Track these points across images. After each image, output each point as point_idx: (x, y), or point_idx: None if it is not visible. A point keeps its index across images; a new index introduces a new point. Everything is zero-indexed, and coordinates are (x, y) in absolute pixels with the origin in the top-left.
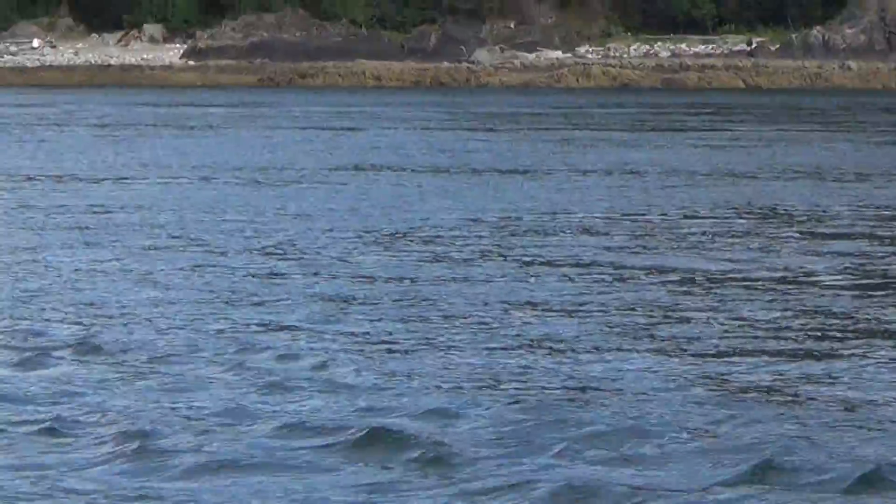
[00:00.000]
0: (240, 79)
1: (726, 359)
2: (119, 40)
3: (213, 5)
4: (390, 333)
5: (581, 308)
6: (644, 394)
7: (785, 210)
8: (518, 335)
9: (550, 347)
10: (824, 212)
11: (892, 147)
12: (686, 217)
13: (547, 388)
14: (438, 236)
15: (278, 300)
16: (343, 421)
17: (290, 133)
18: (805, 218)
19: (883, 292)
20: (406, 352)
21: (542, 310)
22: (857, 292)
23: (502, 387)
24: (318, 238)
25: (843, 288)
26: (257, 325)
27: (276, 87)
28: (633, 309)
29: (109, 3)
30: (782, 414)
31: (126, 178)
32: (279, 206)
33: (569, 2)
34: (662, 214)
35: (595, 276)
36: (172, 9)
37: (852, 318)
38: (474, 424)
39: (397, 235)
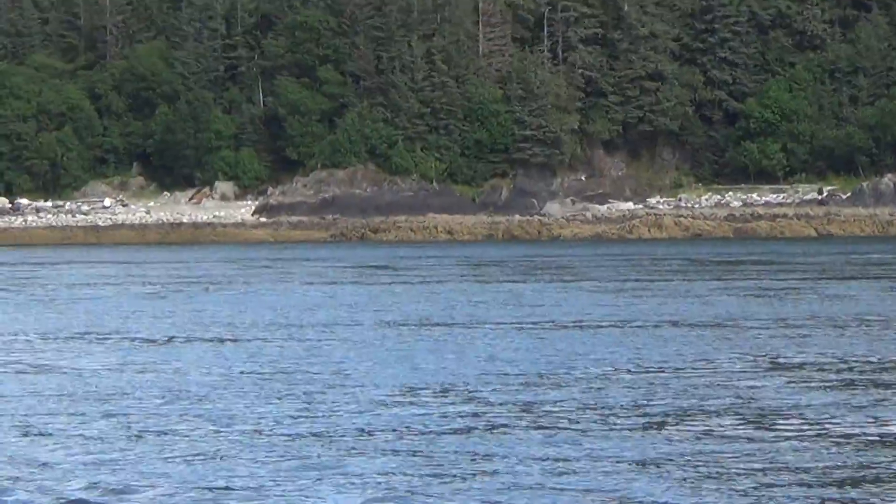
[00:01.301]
0: (311, 234)
1: None
2: (191, 198)
3: (283, 162)
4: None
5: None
6: None
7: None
8: None
9: None
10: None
11: None
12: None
13: None
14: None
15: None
16: None
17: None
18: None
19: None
20: None
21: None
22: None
23: None
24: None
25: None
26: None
27: (348, 242)
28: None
29: (180, 162)
30: None
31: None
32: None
33: (639, 154)
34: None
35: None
36: (244, 167)
37: None
38: None
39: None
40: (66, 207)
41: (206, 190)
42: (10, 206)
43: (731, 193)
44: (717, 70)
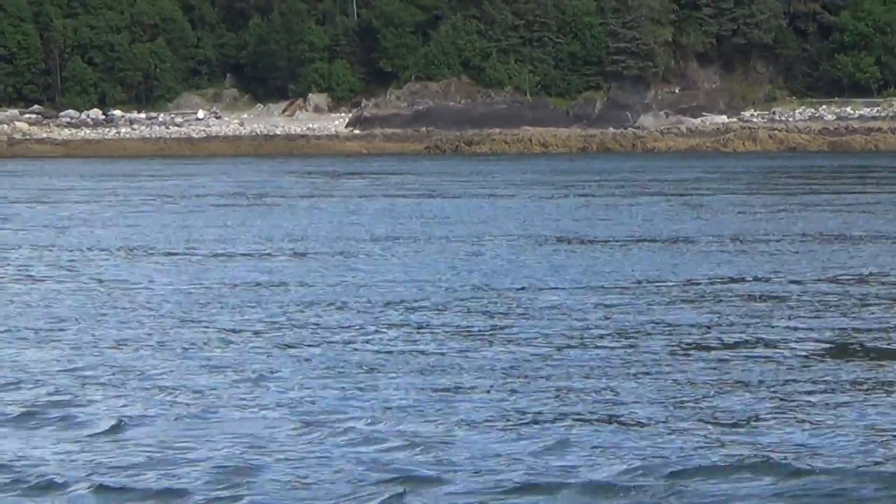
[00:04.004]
0: (405, 147)
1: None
2: (284, 110)
3: (376, 74)
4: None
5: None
6: None
7: None
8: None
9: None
10: None
11: None
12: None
13: None
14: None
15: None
16: None
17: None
18: None
19: None
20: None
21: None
22: None
23: None
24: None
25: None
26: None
27: (442, 155)
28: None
29: (274, 73)
30: None
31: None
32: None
33: (733, 66)
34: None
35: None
36: (337, 78)
37: None
38: None
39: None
40: (160, 119)
41: (300, 102)
42: (103, 117)
43: (824, 107)
44: None
